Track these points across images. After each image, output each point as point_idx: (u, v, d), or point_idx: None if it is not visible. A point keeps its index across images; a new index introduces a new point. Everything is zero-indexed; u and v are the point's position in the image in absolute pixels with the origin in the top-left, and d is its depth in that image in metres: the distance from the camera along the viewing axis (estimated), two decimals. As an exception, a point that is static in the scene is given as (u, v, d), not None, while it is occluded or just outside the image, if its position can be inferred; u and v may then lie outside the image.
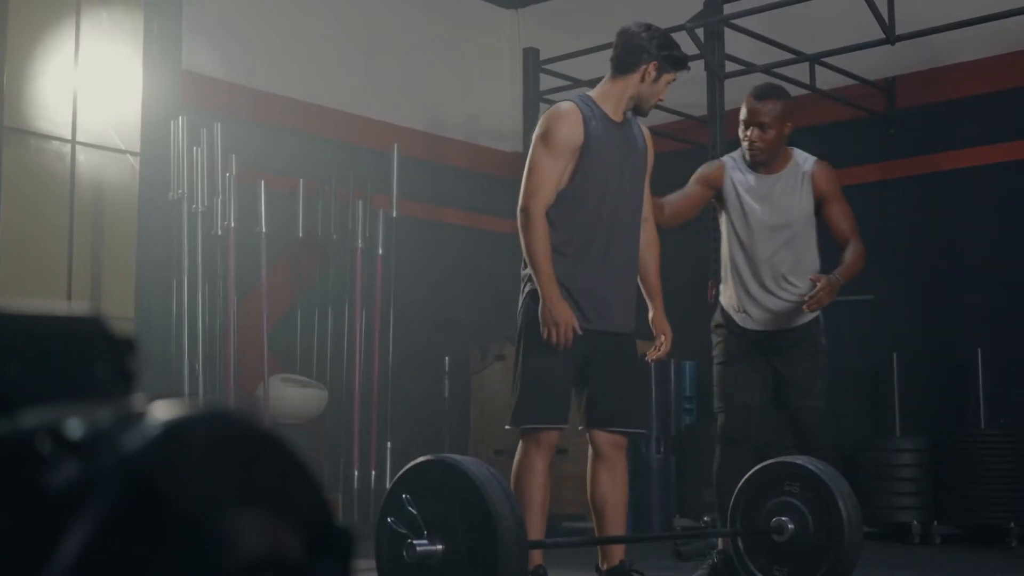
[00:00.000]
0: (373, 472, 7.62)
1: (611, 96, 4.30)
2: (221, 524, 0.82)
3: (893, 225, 7.87)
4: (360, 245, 7.89)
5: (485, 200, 9.37)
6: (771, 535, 4.43)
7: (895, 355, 7.38)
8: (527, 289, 4.26)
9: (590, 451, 4.32)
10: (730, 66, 7.26)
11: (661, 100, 4.43)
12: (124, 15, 7.38)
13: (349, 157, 8.27)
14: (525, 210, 4.12)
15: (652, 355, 4.52)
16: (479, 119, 9.56)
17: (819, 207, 5.02)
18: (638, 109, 4.37)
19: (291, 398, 7.27)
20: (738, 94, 7.83)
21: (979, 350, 7.13)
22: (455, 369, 8.27)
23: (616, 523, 4.24)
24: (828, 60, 7.54)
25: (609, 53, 7.70)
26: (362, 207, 7.95)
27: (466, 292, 8.47)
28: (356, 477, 7.61)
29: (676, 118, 8.42)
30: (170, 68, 7.44)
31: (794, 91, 7.80)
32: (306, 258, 7.97)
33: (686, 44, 7.04)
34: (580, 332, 4.05)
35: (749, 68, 7.30)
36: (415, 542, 3.44)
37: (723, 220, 5.09)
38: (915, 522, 7.00)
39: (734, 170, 5.03)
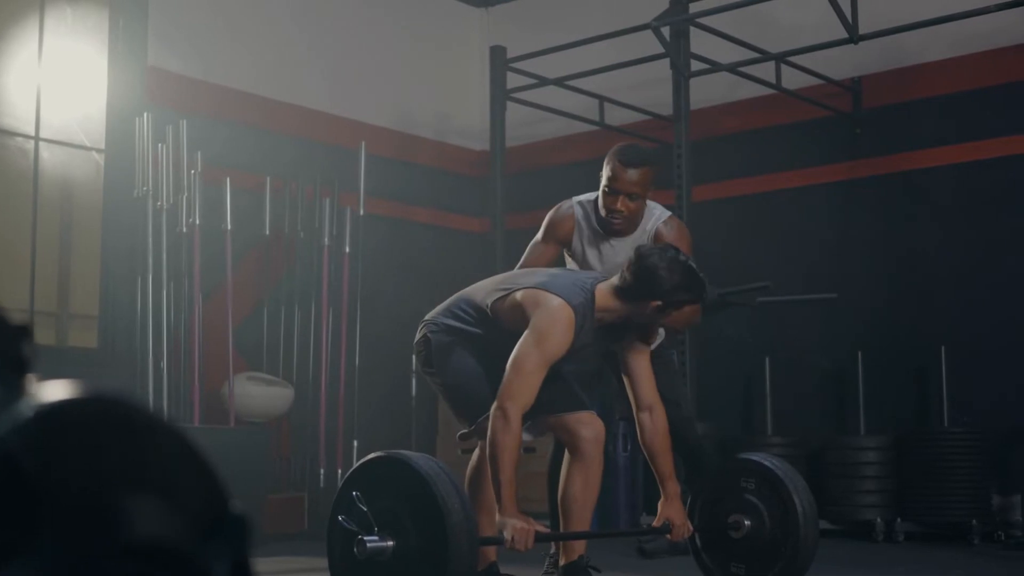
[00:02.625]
0: (339, 471, 7.60)
1: (608, 310, 4.04)
2: (100, 507, 0.82)
3: (858, 224, 7.90)
4: (327, 243, 7.88)
5: (453, 198, 9.38)
6: (728, 532, 4.45)
7: (859, 353, 7.41)
8: (425, 332, 4.24)
9: (565, 452, 4.30)
10: (696, 65, 7.28)
11: (659, 336, 4.26)
12: (89, 11, 7.36)
13: (316, 154, 8.26)
14: (503, 411, 3.83)
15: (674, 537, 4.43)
16: (447, 117, 9.56)
17: None
18: (639, 330, 4.15)
19: (256, 396, 7.24)
20: (704, 93, 7.91)
21: (942, 348, 7.16)
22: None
23: (580, 520, 4.24)
24: (794, 60, 7.56)
25: (576, 49, 7.78)
26: (329, 205, 7.93)
27: (434, 291, 8.37)
28: (322, 476, 7.60)
29: (642, 117, 8.44)
30: (135, 64, 7.41)
31: (760, 91, 7.87)
32: (273, 256, 7.94)
33: (651, 43, 7.08)
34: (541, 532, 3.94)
35: (715, 67, 7.32)
36: (365, 539, 3.44)
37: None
38: (878, 520, 7.04)
39: (584, 228, 4.83)
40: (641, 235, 4.75)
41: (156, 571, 0.84)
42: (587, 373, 4.48)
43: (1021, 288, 7.26)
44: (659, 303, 3.91)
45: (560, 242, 4.87)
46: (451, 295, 4.35)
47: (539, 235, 4.90)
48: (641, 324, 4.07)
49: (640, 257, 3.97)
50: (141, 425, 0.87)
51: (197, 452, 0.92)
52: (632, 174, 4.58)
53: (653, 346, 4.27)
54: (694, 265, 3.98)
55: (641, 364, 4.20)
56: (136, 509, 0.84)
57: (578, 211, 4.79)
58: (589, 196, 4.83)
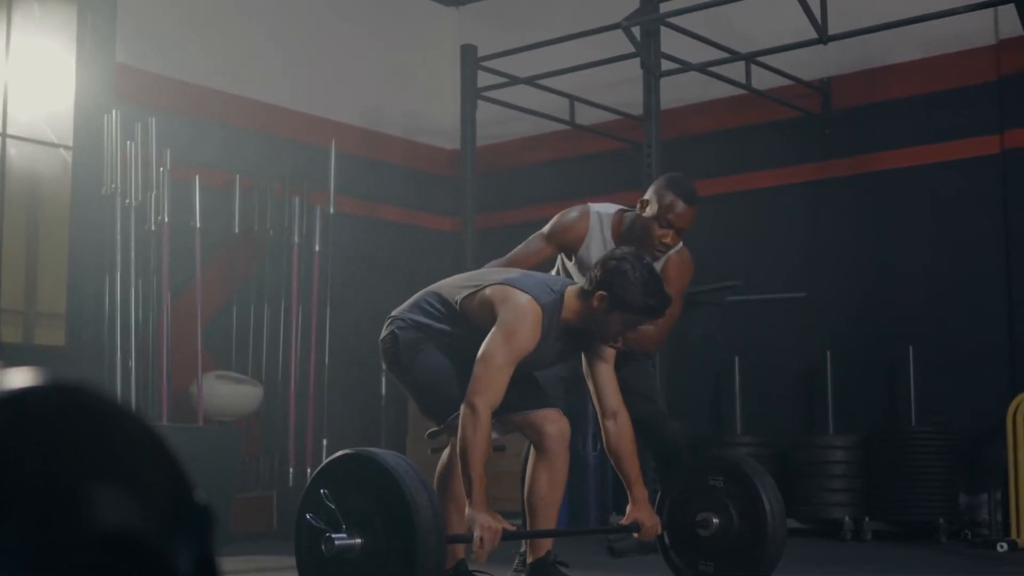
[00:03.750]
0: (308, 470, 7.57)
1: (575, 312, 3.99)
2: (64, 496, 0.81)
3: (827, 224, 7.94)
4: (297, 241, 7.86)
5: (423, 197, 9.37)
6: (696, 530, 4.45)
7: (828, 353, 7.45)
8: (392, 329, 4.21)
9: (532, 450, 4.30)
10: (666, 65, 7.29)
11: (620, 344, 4.06)
12: (57, 8, 7.32)
13: (286, 153, 8.23)
14: (473, 407, 3.80)
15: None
16: (418, 116, 9.54)
17: None
18: (599, 336, 4.06)
19: (225, 395, 7.21)
20: (675, 93, 7.92)
21: (911, 348, 7.20)
22: (392, 366, 8.24)
23: (547, 517, 4.24)
24: (764, 60, 7.58)
25: (547, 48, 7.78)
26: (299, 203, 7.91)
27: (404, 290, 8.29)
28: (291, 475, 7.57)
29: (613, 117, 8.45)
30: (104, 62, 7.37)
31: (730, 91, 7.90)
32: (242, 254, 7.92)
33: (622, 43, 7.09)
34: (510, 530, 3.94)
35: (685, 67, 7.33)
36: (333, 536, 3.43)
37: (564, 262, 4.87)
38: (847, 518, 7.07)
39: (597, 237, 4.73)
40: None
41: (119, 560, 0.83)
42: (557, 376, 4.49)
43: (989, 288, 7.31)
44: (604, 295, 3.87)
45: (563, 247, 4.79)
46: (421, 294, 4.32)
47: (544, 232, 4.80)
48: (604, 333, 4.05)
49: (608, 259, 3.97)
50: (105, 414, 0.86)
51: (162, 442, 0.91)
52: (691, 212, 4.52)
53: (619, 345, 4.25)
54: (662, 283, 3.97)
55: (605, 372, 4.20)
56: (100, 498, 0.83)
57: (594, 220, 4.72)
58: (608, 208, 4.74)
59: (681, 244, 4.68)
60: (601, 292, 3.89)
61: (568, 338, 4.07)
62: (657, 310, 3.98)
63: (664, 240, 4.52)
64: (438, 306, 4.14)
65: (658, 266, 4.62)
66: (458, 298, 4.08)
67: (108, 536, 0.84)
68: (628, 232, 4.63)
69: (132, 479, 0.87)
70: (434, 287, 4.25)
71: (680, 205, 4.50)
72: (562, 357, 4.21)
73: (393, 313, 4.26)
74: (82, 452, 0.84)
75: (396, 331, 4.18)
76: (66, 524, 0.80)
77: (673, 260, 4.69)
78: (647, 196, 4.57)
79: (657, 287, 3.93)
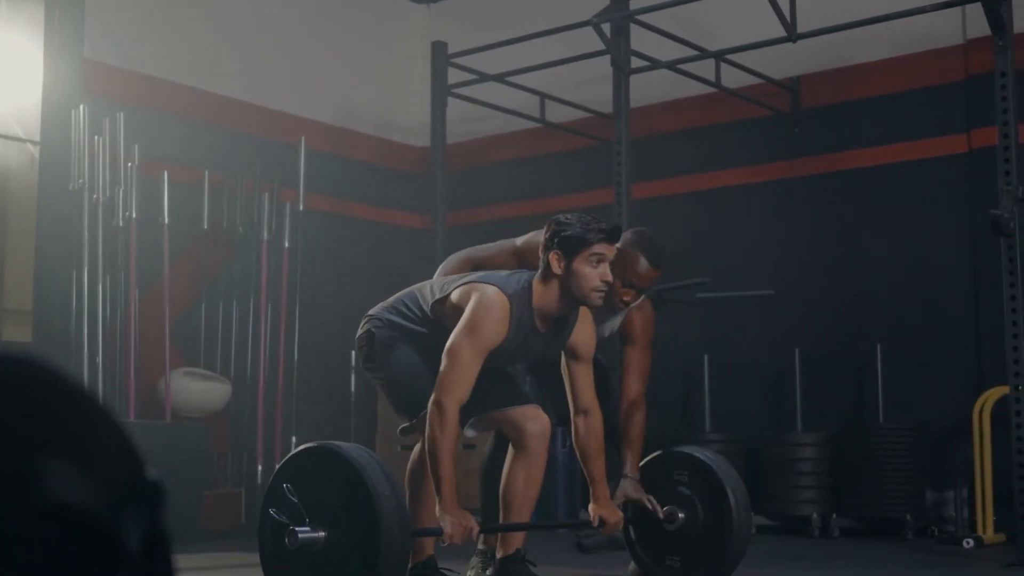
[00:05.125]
0: (277, 467, 7.54)
1: (546, 299, 3.95)
2: (13, 468, 0.81)
3: (796, 223, 7.97)
4: (266, 238, 7.83)
5: (393, 195, 9.35)
6: (662, 524, 4.46)
7: (797, 350, 7.48)
8: (369, 327, 4.21)
9: (508, 446, 4.29)
10: (636, 62, 7.30)
11: (602, 284, 3.92)
12: (25, 3, 7.28)
13: (255, 149, 8.20)
14: (439, 404, 3.78)
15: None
16: (388, 113, 9.53)
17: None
18: (581, 302, 4.00)
19: (193, 391, 7.19)
20: (645, 92, 7.94)
21: (878, 347, 7.24)
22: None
23: (520, 513, 4.23)
24: (734, 58, 7.60)
25: (518, 46, 7.78)
26: (268, 200, 7.88)
27: (374, 287, 8.31)
28: (260, 472, 7.55)
29: (583, 114, 8.46)
30: (71, 56, 7.32)
31: (701, 89, 7.91)
32: (211, 250, 7.88)
33: (592, 40, 7.09)
34: (475, 531, 3.89)
35: (655, 64, 7.34)
36: (297, 529, 3.42)
37: None
38: (815, 515, 7.10)
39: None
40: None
41: (68, 534, 0.83)
42: (536, 372, 4.49)
43: (956, 287, 7.36)
44: (558, 252, 3.86)
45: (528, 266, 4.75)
46: (391, 291, 4.32)
47: (516, 245, 4.59)
48: (583, 290, 3.96)
49: (544, 229, 3.98)
50: (54, 387, 0.86)
51: (112, 418, 0.90)
52: (655, 273, 4.44)
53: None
54: (597, 216, 4.00)
55: (581, 369, 4.20)
56: (48, 471, 0.82)
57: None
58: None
59: (643, 297, 4.61)
60: (555, 251, 3.88)
61: (548, 330, 4.06)
62: (611, 232, 3.94)
63: (624, 298, 4.43)
64: (415, 309, 4.14)
65: (618, 320, 4.63)
66: (430, 303, 4.09)
67: (56, 509, 0.83)
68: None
69: (81, 453, 0.86)
70: (412, 289, 4.25)
71: (644, 265, 4.39)
72: (545, 350, 4.19)
73: (370, 312, 4.26)
74: (31, 424, 0.83)
75: (372, 329, 4.18)
76: (14, 496, 0.79)
77: (635, 316, 4.65)
78: None
79: (594, 217, 3.96)
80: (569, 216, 3.95)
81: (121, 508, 0.88)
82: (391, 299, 4.26)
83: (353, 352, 8.22)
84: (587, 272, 3.90)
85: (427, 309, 4.08)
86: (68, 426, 0.86)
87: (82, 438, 0.86)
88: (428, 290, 4.16)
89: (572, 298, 3.96)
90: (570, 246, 3.88)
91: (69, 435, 0.85)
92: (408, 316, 4.14)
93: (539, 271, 3.98)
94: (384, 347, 4.14)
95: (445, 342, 3.94)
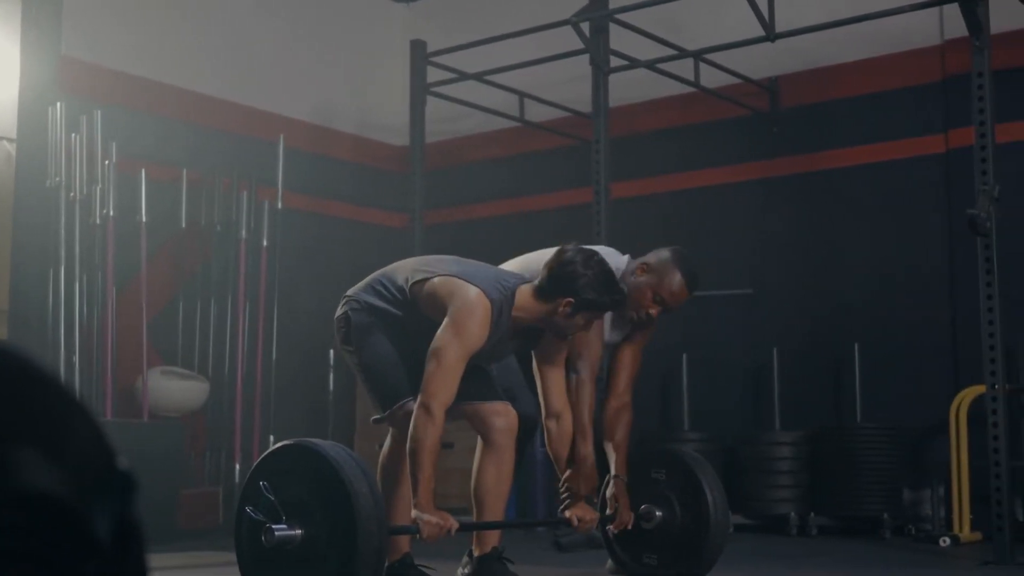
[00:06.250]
0: (254, 465, 7.52)
1: (525, 310, 3.99)
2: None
3: (775, 222, 7.99)
4: (244, 236, 7.81)
5: (372, 194, 9.34)
6: (639, 522, 4.47)
7: (775, 350, 7.49)
8: (346, 309, 4.20)
9: (479, 442, 4.29)
10: (615, 61, 7.31)
11: (580, 331, 4.12)
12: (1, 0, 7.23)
13: (234, 147, 8.18)
14: (427, 407, 3.79)
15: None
16: (367, 111, 9.51)
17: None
18: (555, 333, 4.10)
19: (171, 390, 7.16)
20: (624, 91, 7.94)
21: (856, 345, 7.26)
22: (340, 363, 8.20)
23: (494, 510, 4.23)
24: (713, 58, 7.62)
25: (497, 45, 7.77)
26: (246, 198, 7.86)
27: (351, 286, 8.39)
28: (237, 471, 7.52)
29: (562, 114, 8.46)
30: (48, 53, 7.28)
31: (679, 89, 7.93)
32: (189, 249, 7.85)
33: (571, 39, 7.09)
34: (455, 529, 3.88)
35: (633, 63, 7.35)
36: (273, 527, 3.41)
37: None
38: (793, 514, 7.12)
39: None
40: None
41: (37, 522, 0.82)
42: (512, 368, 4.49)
43: (934, 287, 7.39)
44: (571, 301, 3.88)
45: None
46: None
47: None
48: (557, 330, 4.05)
49: (557, 252, 3.98)
50: (26, 377, 0.85)
51: (83, 407, 0.90)
52: (685, 296, 4.46)
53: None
54: (614, 274, 3.98)
55: (554, 373, 4.22)
56: (19, 460, 0.82)
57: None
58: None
59: None
60: (568, 299, 3.89)
61: (521, 334, 4.07)
62: (620, 304, 4.04)
63: (650, 311, 4.43)
64: (392, 289, 4.14)
65: (627, 330, 4.62)
66: (410, 283, 4.08)
67: (26, 498, 0.82)
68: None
69: (52, 442, 0.86)
70: (388, 269, 4.25)
71: (678, 283, 4.40)
72: (513, 349, 4.21)
73: (348, 292, 4.25)
74: (2, 412, 0.82)
75: (349, 312, 4.18)
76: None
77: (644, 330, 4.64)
78: (650, 260, 4.45)
79: (613, 281, 3.97)
80: (590, 271, 3.90)
81: (92, 498, 0.87)
82: (367, 279, 4.26)
83: (331, 351, 8.22)
84: (578, 323, 4.00)
85: (406, 288, 4.07)
86: (39, 415, 0.85)
87: (53, 427, 0.86)
88: (408, 269, 4.15)
89: (549, 325, 4.03)
90: (585, 307, 3.92)
91: (39, 424, 0.85)
92: (385, 297, 4.13)
93: (536, 285, 3.98)
94: (360, 332, 4.14)
95: (419, 325, 3.95)
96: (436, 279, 3.99)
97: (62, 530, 0.84)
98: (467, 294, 3.89)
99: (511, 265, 4.40)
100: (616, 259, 4.51)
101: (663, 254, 4.45)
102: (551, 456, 4.30)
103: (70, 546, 0.83)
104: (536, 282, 3.99)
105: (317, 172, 8.82)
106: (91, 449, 0.89)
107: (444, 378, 3.81)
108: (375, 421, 4.25)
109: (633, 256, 4.56)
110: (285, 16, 8.89)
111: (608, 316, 4.51)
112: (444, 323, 3.87)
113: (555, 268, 3.93)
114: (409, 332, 4.08)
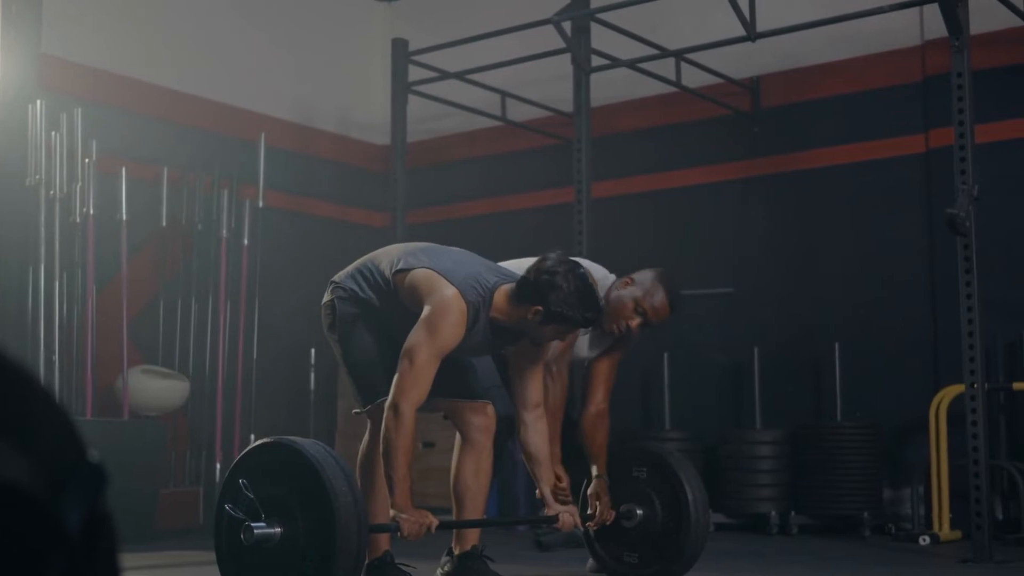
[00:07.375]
0: (233, 463, 7.50)
1: (502, 312, 3.98)
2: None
3: (755, 221, 8.00)
4: (225, 235, 7.79)
5: (354, 193, 9.33)
6: (620, 521, 4.47)
7: (756, 349, 7.51)
8: (332, 298, 4.20)
9: (457, 439, 4.30)
10: (596, 60, 7.31)
11: (551, 342, 4.15)
12: (-19, -4, 7.19)
13: (215, 146, 8.15)
14: (396, 408, 3.79)
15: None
16: (349, 110, 9.50)
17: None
18: (529, 339, 4.09)
19: (151, 389, 7.13)
20: (606, 90, 7.95)
21: (836, 344, 7.28)
22: (321, 362, 8.19)
23: (474, 507, 4.24)
24: (694, 58, 7.63)
25: (479, 44, 7.77)
26: (228, 197, 7.84)
27: (334, 284, 8.39)
28: (218, 470, 7.50)
29: (544, 113, 8.47)
30: (28, 51, 7.25)
31: (661, 88, 7.94)
32: (169, 248, 7.83)
33: (553, 38, 7.10)
34: (434, 526, 3.87)
35: (615, 63, 7.35)
36: (252, 525, 3.40)
37: None
38: (773, 512, 7.14)
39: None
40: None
41: (6, 514, 0.82)
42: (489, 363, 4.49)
43: (913, 286, 7.41)
44: (539, 309, 3.85)
45: None
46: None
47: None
48: (536, 337, 4.04)
49: (542, 260, 3.95)
50: (-7, 369, 0.85)
51: (52, 399, 0.89)
52: (666, 312, 4.53)
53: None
54: (595, 290, 3.95)
55: (531, 367, 4.21)
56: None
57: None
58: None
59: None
60: (536, 307, 3.86)
61: (498, 333, 4.07)
62: (592, 321, 4.00)
63: (630, 323, 4.48)
64: (377, 276, 4.13)
65: (606, 343, 4.64)
66: (392, 271, 4.07)
67: (-5, 489, 0.82)
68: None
69: (21, 433, 0.85)
70: (375, 254, 4.23)
71: (661, 300, 4.49)
72: (493, 348, 4.21)
73: (335, 278, 4.24)
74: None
75: (335, 301, 4.17)
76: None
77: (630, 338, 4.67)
78: (635, 276, 4.55)
79: (592, 297, 3.92)
80: (570, 285, 3.86)
81: (61, 489, 0.87)
82: (354, 264, 4.26)
83: (312, 350, 8.20)
84: (548, 334, 3.99)
85: (388, 276, 4.07)
86: (6, 405, 0.85)
87: (21, 418, 0.85)
88: (393, 256, 4.14)
89: (523, 330, 4.01)
90: (555, 319, 3.89)
91: (7, 414, 0.85)
92: (371, 283, 4.13)
93: (511, 292, 3.96)
94: (344, 323, 4.15)
95: (401, 315, 3.95)
96: (418, 271, 3.98)
97: (28, 520, 0.83)
98: (444, 293, 3.88)
99: (511, 265, 4.39)
100: (601, 274, 4.60)
101: (649, 272, 4.58)
102: (521, 447, 4.29)
103: (36, 536, 0.83)
104: (514, 286, 3.98)
105: (298, 171, 8.81)
106: (60, 441, 0.89)
107: (415, 378, 3.81)
108: (355, 413, 4.25)
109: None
110: (266, 14, 8.88)
111: (588, 334, 4.55)
112: (419, 320, 3.87)
113: (532, 274, 3.90)
114: (389, 322, 4.09)
